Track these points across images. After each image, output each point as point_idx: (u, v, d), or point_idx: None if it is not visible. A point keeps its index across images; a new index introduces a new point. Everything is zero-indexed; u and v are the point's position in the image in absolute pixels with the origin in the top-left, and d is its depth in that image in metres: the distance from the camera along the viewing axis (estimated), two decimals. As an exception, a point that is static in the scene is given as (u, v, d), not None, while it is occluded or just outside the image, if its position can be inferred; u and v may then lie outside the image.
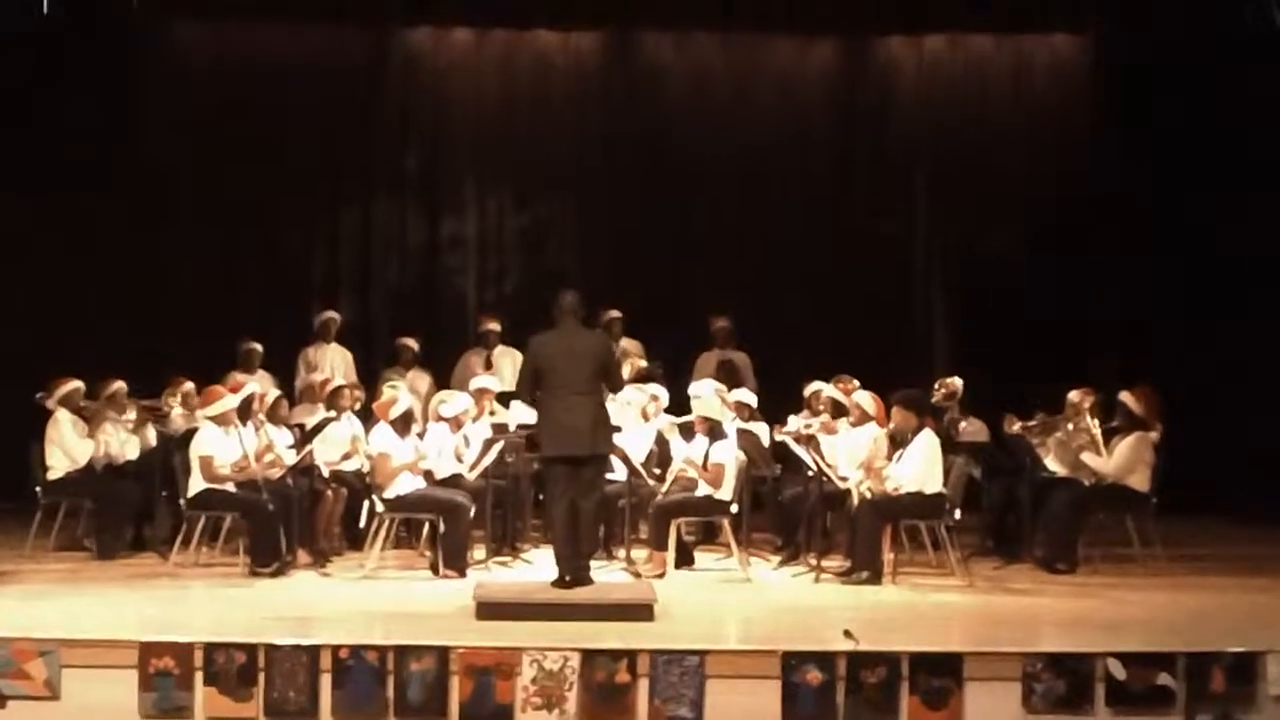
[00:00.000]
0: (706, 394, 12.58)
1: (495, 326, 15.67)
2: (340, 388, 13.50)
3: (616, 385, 11.51)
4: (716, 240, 16.93)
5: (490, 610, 10.14)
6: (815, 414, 13.16)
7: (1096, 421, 12.61)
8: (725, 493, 12.13)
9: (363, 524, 12.68)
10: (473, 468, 12.67)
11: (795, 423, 12.90)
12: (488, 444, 12.57)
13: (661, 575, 11.93)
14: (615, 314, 15.13)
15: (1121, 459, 12.41)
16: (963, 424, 13.34)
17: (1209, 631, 9.95)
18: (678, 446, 12.80)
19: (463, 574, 11.81)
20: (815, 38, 17.39)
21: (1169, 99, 15.96)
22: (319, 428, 12.81)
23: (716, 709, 9.04)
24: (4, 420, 12.70)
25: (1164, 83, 16.04)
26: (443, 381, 15.04)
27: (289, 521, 12.20)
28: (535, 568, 12.32)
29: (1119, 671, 9.15)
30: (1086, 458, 12.53)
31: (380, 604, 10.89)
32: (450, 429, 12.88)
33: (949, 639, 9.85)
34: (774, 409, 13.51)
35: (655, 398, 13.40)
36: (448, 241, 17.36)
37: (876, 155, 17.38)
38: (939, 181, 17.18)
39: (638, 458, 12.69)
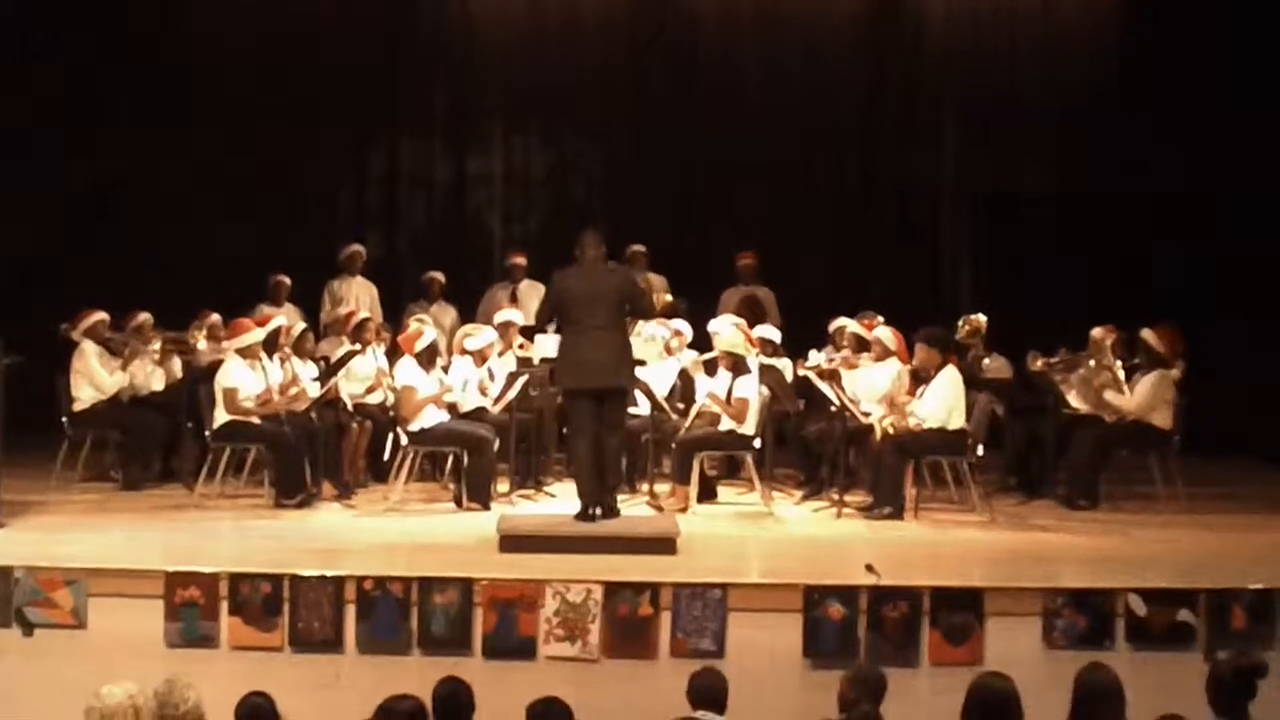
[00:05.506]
0: (725, 330, 12.63)
1: (521, 261, 15.61)
2: (365, 320, 13.50)
3: (646, 313, 11.53)
4: (743, 178, 16.76)
5: (514, 543, 10.21)
6: (839, 349, 13.15)
7: (1119, 360, 12.59)
8: (748, 428, 12.15)
9: (387, 457, 12.75)
10: (497, 401, 12.70)
11: (816, 357, 12.90)
12: (512, 377, 12.57)
13: (684, 509, 11.97)
14: (639, 248, 15.08)
15: (1143, 397, 12.37)
16: (986, 361, 13.30)
17: (1230, 569, 9.98)
18: (701, 382, 12.82)
19: (486, 507, 11.88)
20: (845, -26, 17.29)
21: (1199, 33, 15.78)
22: (343, 360, 12.85)
23: (738, 642, 9.11)
24: (29, 351, 12.68)
25: (1193, 17, 15.87)
26: (468, 315, 15.03)
27: (313, 454, 12.27)
28: (559, 501, 12.37)
29: (1140, 608, 9.20)
30: (1109, 395, 12.50)
31: (404, 537, 10.97)
32: (475, 362, 12.91)
33: (970, 575, 9.90)
34: (801, 344, 13.48)
35: (679, 333, 13.42)
36: (474, 178, 17.31)
37: (905, 93, 17.18)
38: (967, 120, 17.02)
39: (661, 393, 12.70)
